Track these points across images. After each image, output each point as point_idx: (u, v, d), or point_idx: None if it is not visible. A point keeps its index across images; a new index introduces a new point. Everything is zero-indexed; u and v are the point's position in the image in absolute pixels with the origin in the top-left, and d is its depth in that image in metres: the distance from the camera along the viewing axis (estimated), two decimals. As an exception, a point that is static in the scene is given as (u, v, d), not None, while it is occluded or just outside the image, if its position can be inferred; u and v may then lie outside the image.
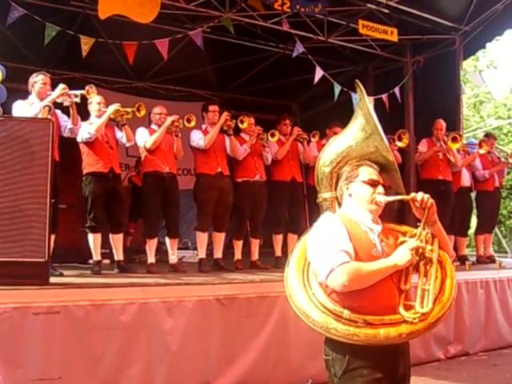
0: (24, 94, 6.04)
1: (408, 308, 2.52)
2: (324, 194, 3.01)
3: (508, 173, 10.24)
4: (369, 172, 2.74)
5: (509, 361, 6.82)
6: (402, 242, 2.64)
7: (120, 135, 6.62)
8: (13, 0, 6.77)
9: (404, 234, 2.75)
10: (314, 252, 2.60)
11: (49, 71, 6.49)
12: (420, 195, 2.61)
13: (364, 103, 2.90)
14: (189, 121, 6.78)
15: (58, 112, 6.17)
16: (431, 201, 2.61)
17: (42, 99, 5.82)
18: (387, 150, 2.82)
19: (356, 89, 2.97)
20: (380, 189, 2.70)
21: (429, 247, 2.62)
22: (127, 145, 6.77)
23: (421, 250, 2.58)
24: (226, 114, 7.01)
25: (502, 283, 7.58)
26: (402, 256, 2.53)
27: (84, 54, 7.34)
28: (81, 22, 8.81)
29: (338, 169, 2.91)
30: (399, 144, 7.81)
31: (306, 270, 2.70)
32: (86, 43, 7.29)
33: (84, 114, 6.44)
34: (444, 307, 2.55)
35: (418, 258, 2.57)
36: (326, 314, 2.50)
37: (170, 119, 6.70)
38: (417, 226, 2.68)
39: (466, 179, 8.58)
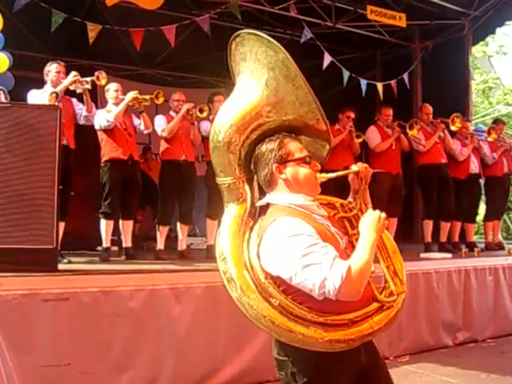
0: (31, 82, 6.06)
1: (380, 292, 2.27)
2: (225, 179, 2.31)
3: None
4: (298, 147, 2.26)
5: (517, 348, 6.81)
6: (342, 218, 2.36)
7: (138, 122, 6.66)
8: (20, -13, 6.75)
9: (330, 206, 2.40)
10: (291, 270, 2.06)
11: (56, 58, 6.48)
12: (360, 165, 2.31)
13: (262, 52, 2.21)
14: (201, 111, 6.75)
15: (74, 100, 6.29)
16: (370, 169, 2.33)
17: (55, 87, 5.88)
18: (320, 115, 2.21)
19: (240, 43, 2.37)
20: (318, 164, 2.28)
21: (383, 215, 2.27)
22: (145, 132, 6.82)
23: (381, 219, 2.22)
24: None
25: (511, 270, 7.56)
26: (375, 227, 2.18)
27: (91, 40, 7.33)
28: (87, 8, 8.79)
29: (243, 145, 2.27)
30: (410, 132, 7.73)
31: (257, 281, 2.15)
32: (92, 30, 7.27)
33: (96, 103, 6.46)
34: (404, 277, 2.34)
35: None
36: (313, 328, 2.09)
37: (185, 107, 6.68)
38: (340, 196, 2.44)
39: (474, 166, 8.52)
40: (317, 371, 2.17)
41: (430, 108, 8.14)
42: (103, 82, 6.21)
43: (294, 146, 2.25)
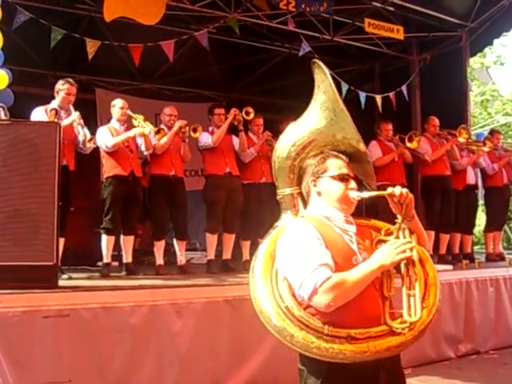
0: (31, 97, 6.09)
1: (394, 317, 2.25)
2: (284, 190, 2.59)
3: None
4: (338, 165, 2.42)
5: (520, 359, 6.79)
6: (380, 242, 2.36)
7: (140, 142, 6.65)
8: (19, 4, 6.78)
9: (377, 230, 2.46)
10: (287, 266, 2.24)
11: (55, 74, 6.53)
12: (398, 190, 2.29)
13: (328, 85, 2.47)
14: (195, 130, 6.76)
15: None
16: (410, 195, 2.31)
17: (62, 107, 5.98)
18: (357, 139, 2.47)
19: (314, 69, 2.53)
20: (352, 184, 2.40)
21: (409, 245, 2.29)
22: (145, 153, 6.81)
23: (405, 249, 2.24)
24: (233, 110, 7.04)
25: (513, 280, 7.55)
26: (386, 256, 2.21)
27: (90, 56, 7.34)
28: (86, 24, 8.80)
29: (300, 161, 2.52)
30: (409, 145, 7.79)
31: (274, 279, 2.31)
32: (91, 46, 7.29)
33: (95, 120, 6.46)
34: (431, 312, 2.28)
35: (405, 256, 2.23)
36: (305, 332, 2.16)
37: (177, 125, 6.70)
38: (391, 222, 2.39)
39: (471, 177, 8.58)
40: (325, 382, 2.24)
41: (436, 120, 8.24)
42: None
43: (333, 163, 2.42)
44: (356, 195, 2.36)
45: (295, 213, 2.54)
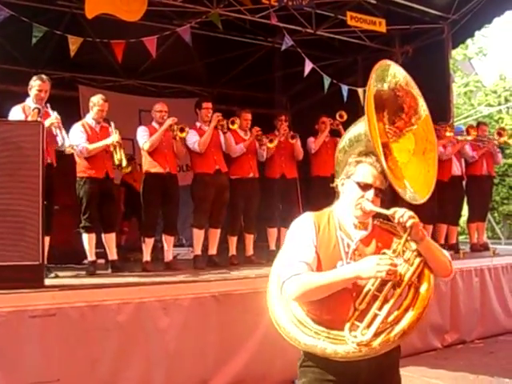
0: (13, 95, 6.03)
1: (355, 329, 2.26)
2: (337, 180, 2.64)
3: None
4: (365, 172, 2.44)
5: (505, 347, 6.86)
6: (384, 254, 2.33)
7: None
8: (-1, 1, 6.73)
9: (401, 237, 2.37)
10: (281, 258, 2.56)
11: (38, 72, 6.45)
12: (399, 213, 2.29)
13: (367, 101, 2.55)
14: (182, 130, 6.74)
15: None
16: (412, 221, 2.27)
17: (36, 103, 5.81)
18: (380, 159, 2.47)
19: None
20: (370, 194, 2.41)
21: (403, 267, 2.29)
22: None
23: (393, 269, 2.21)
24: (216, 115, 6.97)
25: (497, 270, 7.63)
26: (366, 269, 2.22)
27: (72, 53, 7.27)
28: (68, 21, 8.76)
29: (348, 156, 2.62)
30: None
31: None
32: (73, 43, 7.23)
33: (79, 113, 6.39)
34: (387, 342, 2.22)
35: (386, 276, 2.20)
36: (290, 321, 2.43)
37: (167, 123, 6.66)
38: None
39: (456, 168, 8.63)
40: (303, 367, 2.50)
41: None
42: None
43: (363, 169, 2.46)
44: (368, 207, 2.39)
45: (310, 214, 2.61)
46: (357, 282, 2.29)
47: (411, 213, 2.30)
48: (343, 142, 2.74)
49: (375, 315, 2.24)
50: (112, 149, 6.32)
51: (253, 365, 5.26)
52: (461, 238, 11.49)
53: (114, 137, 6.30)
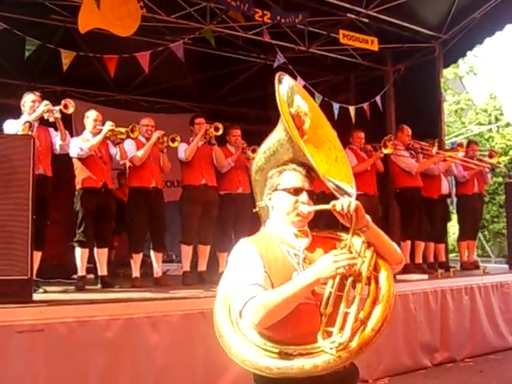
0: (5, 108, 6.03)
1: (328, 335, 2.11)
2: (260, 203, 2.55)
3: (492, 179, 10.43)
4: (292, 177, 2.34)
5: (495, 366, 6.84)
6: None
7: (114, 152, 6.64)
8: (-8, 15, 6.74)
9: (340, 241, 2.34)
10: (228, 288, 2.34)
11: (30, 85, 6.47)
12: (339, 204, 2.19)
13: (280, 105, 2.48)
14: (173, 140, 6.75)
15: (51, 129, 6.25)
16: (354, 204, 2.18)
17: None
18: (304, 158, 2.36)
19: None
20: (303, 197, 2.31)
21: (358, 261, 2.18)
22: (121, 162, 6.80)
23: (352, 262, 2.12)
24: (204, 126, 6.99)
25: (487, 289, 7.62)
26: (324, 269, 2.08)
27: (65, 67, 7.29)
28: (61, 35, 8.78)
29: (266, 173, 2.47)
30: (385, 151, 7.82)
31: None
32: (66, 57, 7.25)
33: (70, 131, 6.41)
34: (368, 335, 2.11)
35: (347, 271, 2.10)
36: (242, 342, 2.25)
37: (155, 136, 6.70)
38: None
39: (444, 186, 8.70)
40: None
41: (408, 129, 8.26)
42: (71, 109, 6.13)
43: (288, 176, 2.35)
44: (305, 209, 2.30)
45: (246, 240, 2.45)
46: (315, 290, 2.16)
47: (350, 198, 2.25)
48: (258, 162, 2.59)
49: (346, 314, 2.10)
50: (110, 134, 6.36)
51: (242, 381, 5.21)
52: (451, 255, 11.51)
53: (107, 123, 6.32)
